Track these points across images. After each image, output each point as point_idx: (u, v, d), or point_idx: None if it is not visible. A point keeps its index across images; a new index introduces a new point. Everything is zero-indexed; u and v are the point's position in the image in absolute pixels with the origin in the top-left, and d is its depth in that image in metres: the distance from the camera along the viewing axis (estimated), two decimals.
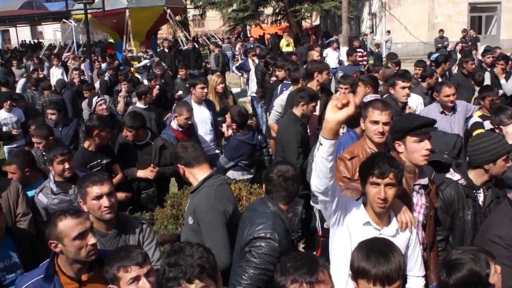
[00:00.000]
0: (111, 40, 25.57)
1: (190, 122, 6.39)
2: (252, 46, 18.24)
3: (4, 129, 8.94)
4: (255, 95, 11.46)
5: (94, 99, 7.66)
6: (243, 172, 6.04)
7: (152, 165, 5.81)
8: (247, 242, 3.27)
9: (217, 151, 7.05)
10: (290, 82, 7.98)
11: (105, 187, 3.46)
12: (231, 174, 5.92)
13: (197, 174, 3.81)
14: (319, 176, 2.96)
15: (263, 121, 10.07)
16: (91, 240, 2.89)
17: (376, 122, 4.06)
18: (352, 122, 4.87)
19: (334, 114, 2.67)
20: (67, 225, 2.88)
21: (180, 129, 6.36)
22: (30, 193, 4.92)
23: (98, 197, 3.43)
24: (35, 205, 4.78)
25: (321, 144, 2.83)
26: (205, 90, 6.99)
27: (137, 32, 20.42)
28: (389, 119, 4.09)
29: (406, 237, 3.28)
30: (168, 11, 20.63)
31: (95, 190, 3.44)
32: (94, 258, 2.95)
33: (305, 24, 41.14)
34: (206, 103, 7.13)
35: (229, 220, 3.62)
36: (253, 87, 11.68)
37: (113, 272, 2.65)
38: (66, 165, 4.70)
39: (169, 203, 5.36)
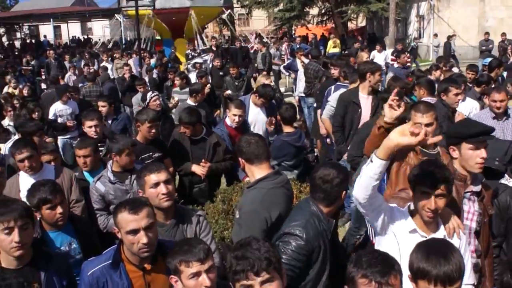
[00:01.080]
0: (158, 37, 25.98)
1: (237, 120, 6.42)
2: (298, 46, 18.25)
3: (59, 120, 9.26)
4: (302, 95, 11.46)
5: (149, 94, 7.82)
6: (286, 173, 6.02)
7: (203, 160, 5.90)
8: (278, 236, 3.32)
9: None
10: (343, 84, 7.97)
11: (162, 174, 3.55)
12: None
13: (255, 172, 3.75)
14: (362, 189, 2.98)
15: (311, 120, 10.09)
16: (143, 239, 2.93)
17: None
18: None
19: (399, 137, 2.67)
20: (123, 218, 2.97)
21: (234, 125, 6.44)
22: (90, 179, 5.10)
23: (156, 185, 3.51)
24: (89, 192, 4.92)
25: (371, 161, 2.84)
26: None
27: (189, 30, 20.76)
28: (432, 120, 4.20)
29: (455, 244, 3.25)
30: (228, 11, 20.97)
31: (152, 178, 3.53)
32: (148, 255, 3.01)
33: (351, 25, 40.81)
34: (267, 106, 7.16)
35: (271, 225, 3.56)
36: (300, 87, 11.66)
37: (175, 264, 2.71)
38: (133, 157, 4.85)
39: (219, 198, 5.43)
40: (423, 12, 30.11)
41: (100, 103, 7.95)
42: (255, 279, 2.34)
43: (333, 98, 7.25)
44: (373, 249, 3.21)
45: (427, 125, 4.13)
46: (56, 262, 3.32)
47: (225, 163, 6.10)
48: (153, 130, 5.74)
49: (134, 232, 2.93)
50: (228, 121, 6.50)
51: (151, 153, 5.72)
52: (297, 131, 6.20)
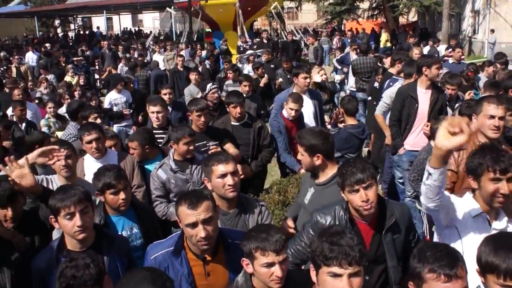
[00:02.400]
0: (208, 30, 26.20)
1: (294, 114, 6.37)
2: (352, 40, 18.08)
3: (114, 109, 9.48)
4: (353, 89, 11.33)
5: (209, 85, 7.87)
6: None
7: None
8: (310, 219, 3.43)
9: None
10: (397, 78, 7.84)
11: (230, 166, 3.56)
12: None
13: (329, 167, 3.82)
14: (430, 198, 2.98)
15: (364, 115, 9.98)
16: (201, 233, 2.92)
17: (492, 117, 4.06)
18: None
19: (445, 142, 2.61)
20: (182, 212, 2.98)
21: (291, 118, 6.42)
22: (149, 168, 5.18)
23: (223, 176, 3.53)
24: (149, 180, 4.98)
25: (430, 174, 2.82)
26: (308, 80, 6.96)
27: (237, 22, 20.87)
28: (504, 114, 4.10)
29: None
30: (275, 4, 20.95)
31: (220, 168, 3.54)
32: (207, 248, 3.02)
33: (402, 20, 40.04)
34: (310, 93, 7.09)
35: None
36: (351, 81, 11.55)
37: (250, 248, 2.69)
38: (191, 147, 4.84)
39: (275, 189, 5.45)
40: (479, 7, 29.14)
41: (163, 91, 7.89)
42: (347, 269, 2.31)
43: (386, 94, 7.16)
44: (433, 242, 3.18)
45: (500, 118, 4.02)
46: (118, 245, 3.40)
47: (265, 157, 6.27)
48: (202, 119, 5.73)
49: (193, 225, 2.94)
50: (284, 113, 6.49)
51: (205, 142, 5.72)
52: (361, 123, 6.17)
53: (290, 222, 3.94)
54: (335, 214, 3.29)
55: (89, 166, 4.75)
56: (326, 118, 7.53)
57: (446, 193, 3.18)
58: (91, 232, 3.24)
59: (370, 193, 3.06)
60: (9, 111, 8.92)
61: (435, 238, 3.45)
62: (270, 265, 2.65)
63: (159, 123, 5.97)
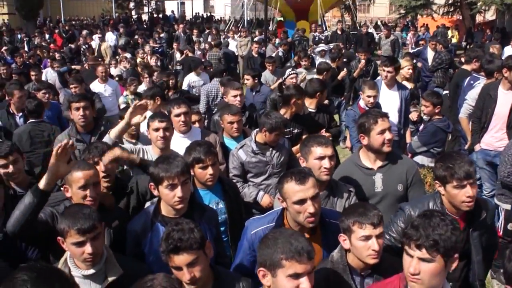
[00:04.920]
0: (280, 18, 26.20)
1: (372, 101, 6.34)
2: (423, 36, 17.66)
3: (192, 91, 9.71)
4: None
5: (288, 71, 7.98)
6: (432, 159, 5.94)
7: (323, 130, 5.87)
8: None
9: (396, 138, 6.94)
10: (478, 76, 7.61)
11: (329, 150, 3.63)
12: (420, 159, 5.85)
13: None
14: None
15: None
16: (310, 209, 2.98)
17: None
18: None
19: None
20: (290, 188, 3.04)
21: (367, 108, 6.38)
22: (230, 146, 5.32)
23: (321, 158, 3.60)
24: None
25: None
26: (392, 74, 6.91)
27: (313, 13, 20.80)
28: None
29: None
30: None
31: (318, 150, 3.61)
32: (313, 225, 3.07)
33: (479, 18, 38.53)
34: (399, 86, 6.98)
35: None
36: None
37: (348, 223, 2.79)
38: (280, 137, 4.96)
39: None
40: None
41: (246, 76, 8.19)
42: (415, 251, 2.40)
43: (471, 96, 6.96)
44: None
45: None
46: (209, 216, 3.53)
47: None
48: (299, 102, 5.88)
49: (301, 202, 3.00)
50: (361, 103, 6.47)
51: (291, 129, 5.81)
52: (445, 117, 6.08)
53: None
54: (428, 207, 3.30)
55: (174, 141, 4.89)
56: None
57: None
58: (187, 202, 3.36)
59: (474, 190, 3.08)
60: (92, 86, 9.34)
61: None
62: (367, 238, 2.74)
63: (239, 105, 6.10)
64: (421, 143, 5.92)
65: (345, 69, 10.05)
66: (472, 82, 7.69)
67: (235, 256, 3.44)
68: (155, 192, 3.35)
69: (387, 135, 3.90)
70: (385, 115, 4.05)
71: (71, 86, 8.44)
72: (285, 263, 2.32)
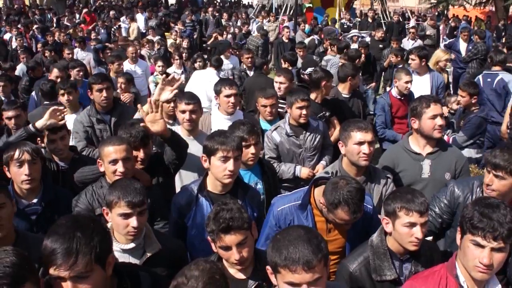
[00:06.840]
0: (309, 5, 25.99)
1: (410, 85, 6.30)
2: (458, 26, 17.34)
3: (220, 74, 9.66)
4: None
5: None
6: (478, 150, 5.90)
7: None
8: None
9: None
10: (492, 72, 7.58)
11: (369, 135, 3.62)
12: (467, 152, 5.68)
13: None
14: None
15: None
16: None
17: None
18: None
19: None
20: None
21: (399, 97, 6.33)
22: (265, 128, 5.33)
23: (360, 143, 3.60)
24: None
25: None
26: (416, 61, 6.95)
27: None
28: None
29: None
30: None
31: (358, 135, 3.61)
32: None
33: None
34: (432, 75, 6.96)
35: None
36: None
37: (394, 207, 2.78)
38: (304, 112, 4.87)
39: None
40: None
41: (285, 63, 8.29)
42: (490, 242, 2.34)
43: None
44: None
45: None
46: (251, 194, 3.57)
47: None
48: (329, 84, 5.98)
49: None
50: (393, 91, 6.41)
51: (324, 113, 5.81)
52: (483, 107, 6.01)
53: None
54: (473, 187, 3.28)
55: (217, 121, 4.97)
56: None
57: None
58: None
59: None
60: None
61: None
62: (412, 225, 2.73)
63: (281, 94, 6.03)
64: (467, 137, 5.80)
65: (391, 56, 10.00)
66: (489, 79, 7.54)
67: (261, 232, 3.42)
68: (205, 164, 3.37)
69: (439, 121, 3.86)
70: (438, 101, 4.00)
71: (114, 63, 8.42)
72: (281, 270, 2.14)
